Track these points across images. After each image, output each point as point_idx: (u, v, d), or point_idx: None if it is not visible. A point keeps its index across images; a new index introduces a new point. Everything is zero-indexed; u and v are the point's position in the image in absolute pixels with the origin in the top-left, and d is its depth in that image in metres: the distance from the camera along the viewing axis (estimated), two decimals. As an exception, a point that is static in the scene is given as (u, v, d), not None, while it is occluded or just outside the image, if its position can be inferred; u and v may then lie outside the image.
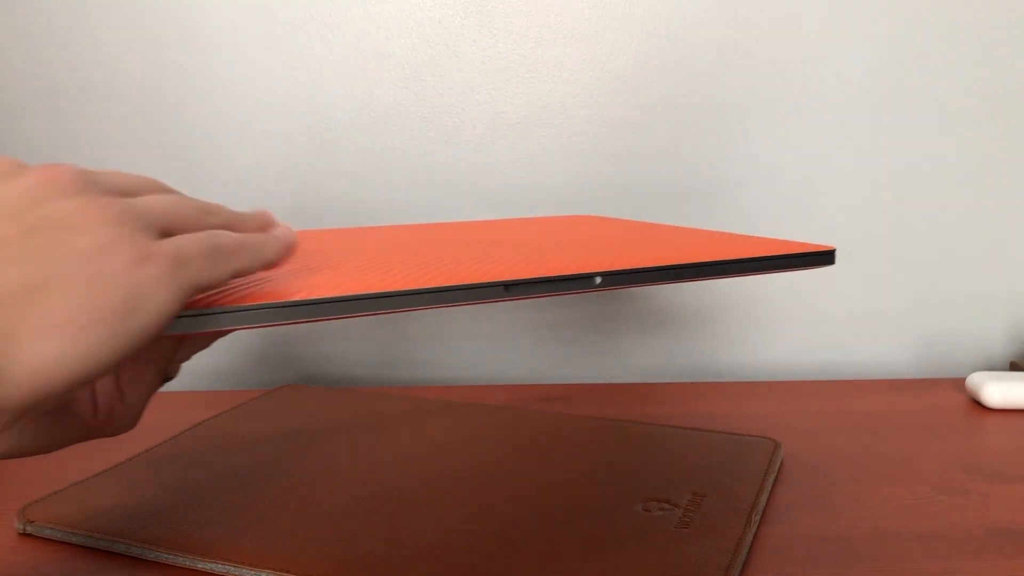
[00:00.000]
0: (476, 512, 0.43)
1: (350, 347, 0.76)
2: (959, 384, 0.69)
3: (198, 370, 0.76)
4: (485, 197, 0.74)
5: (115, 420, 0.34)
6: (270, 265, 0.31)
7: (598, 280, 0.34)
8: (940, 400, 0.65)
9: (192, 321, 0.27)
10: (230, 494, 0.45)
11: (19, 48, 0.71)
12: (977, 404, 0.64)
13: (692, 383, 0.70)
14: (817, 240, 0.76)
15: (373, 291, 0.30)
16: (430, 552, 0.39)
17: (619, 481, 0.47)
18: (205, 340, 0.36)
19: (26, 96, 0.72)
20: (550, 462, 0.50)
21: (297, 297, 0.29)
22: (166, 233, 0.28)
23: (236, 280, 0.31)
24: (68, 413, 0.33)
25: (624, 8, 0.71)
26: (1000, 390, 0.63)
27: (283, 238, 0.33)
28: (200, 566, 0.38)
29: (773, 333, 0.77)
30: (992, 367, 0.78)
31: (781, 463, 0.52)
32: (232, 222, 0.32)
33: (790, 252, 0.39)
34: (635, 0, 0.71)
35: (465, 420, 0.57)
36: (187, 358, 0.36)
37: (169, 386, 0.76)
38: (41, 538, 0.42)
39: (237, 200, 0.74)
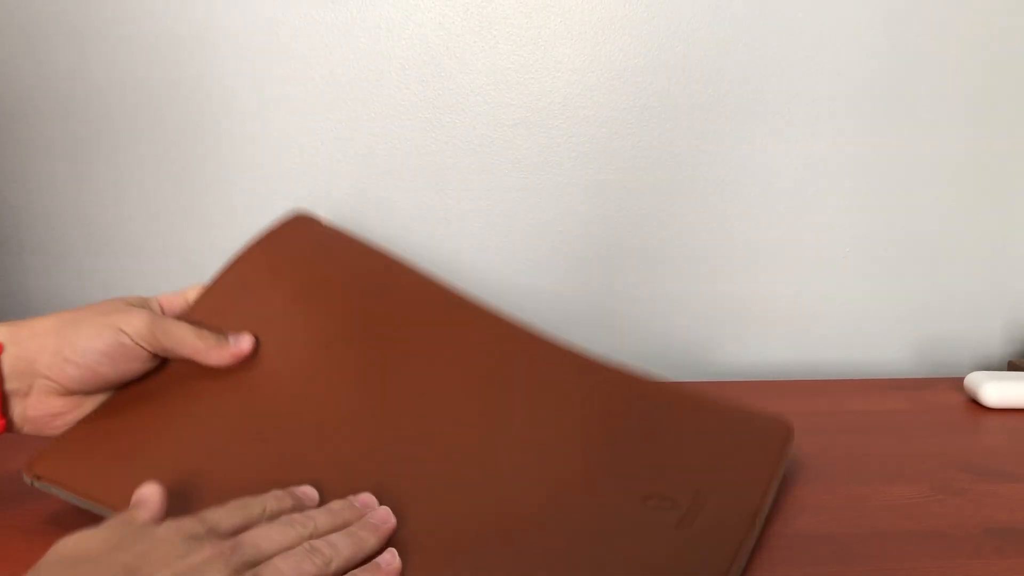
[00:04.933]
0: (475, 501, 0.42)
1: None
2: (958, 384, 0.69)
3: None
4: (486, 198, 0.74)
5: None
6: (374, 552, 0.37)
7: None
8: (939, 400, 0.65)
9: None
10: None
11: (22, 48, 0.71)
12: (975, 403, 0.64)
13: (692, 383, 0.70)
14: (817, 239, 0.76)
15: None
16: (424, 541, 0.38)
17: (624, 467, 0.45)
18: None
19: (32, 97, 0.72)
20: (556, 432, 0.47)
21: None
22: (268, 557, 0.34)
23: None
24: None
25: (624, 8, 0.72)
26: (998, 390, 0.63)
27: (380, 525, 0.38)
28: None
29: (773, 333, 0.77)
30: (990, 367, 0.79)
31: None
32: (329, 525, 0.38)
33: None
34: (635, 0, 0.72)
35: (479, 360, 0.51)
36: None
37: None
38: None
39: (237, 203, 0.74)
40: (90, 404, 0.45)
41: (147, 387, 0.47)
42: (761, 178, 0.75)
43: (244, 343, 0.47)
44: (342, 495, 0.41)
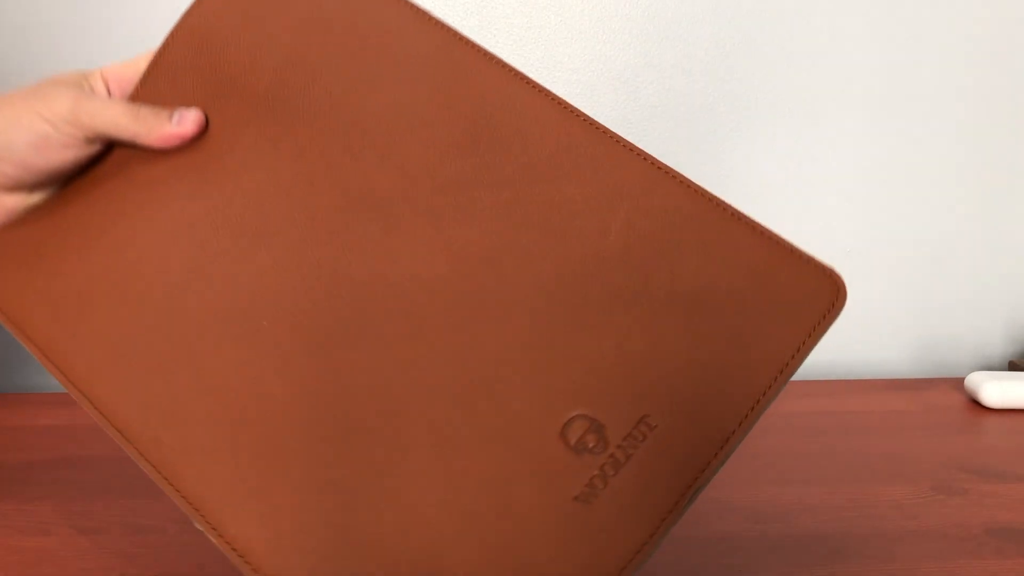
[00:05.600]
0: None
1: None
2: (958, 384, 0.69)
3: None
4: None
5: None
6: None
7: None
8: (939, 400, 0.65)
9: None
10: None
11: (25, 46, 0.71)
12: (976, 404, 0.64)
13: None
14: (817, 239, 0.76)
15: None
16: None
17: (562, 361, 0.32)
18: None
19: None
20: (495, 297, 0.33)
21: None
22: None
23: None
24: None
25: (624, 8, 0.72)
26: (999, 390, 0.63)
27: None
28: None
29: (773, 333, 0.77)
30: (991, 367, 0.78)
31: (778, 462, 0.52)
32: None
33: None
34: (635, 1, 0.71)
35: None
36: None
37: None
38: None
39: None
40: (40, 198, 0.40)
41: (85, 180, 0.40)
42: (761, 178, 0.74)
43: (188, 122, 0.39)
44: (300, 286, 0.34)
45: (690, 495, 0.29)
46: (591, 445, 0.30)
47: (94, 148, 0.39)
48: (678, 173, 0.36)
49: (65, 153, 0.38)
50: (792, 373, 0.31)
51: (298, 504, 0.30)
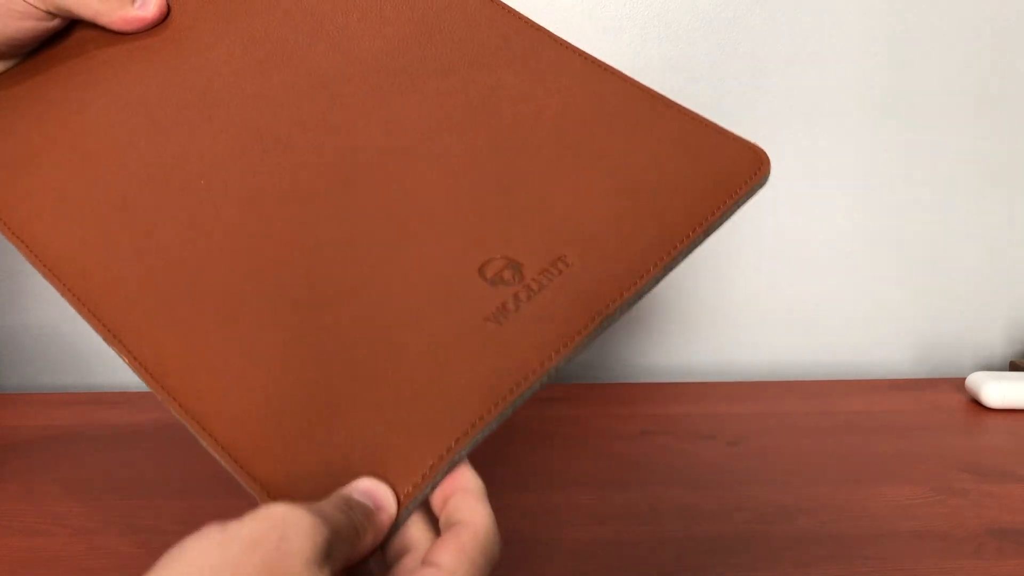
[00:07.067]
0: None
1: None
2: (959, 384, 0.69)
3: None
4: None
5: None
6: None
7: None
8: (940, 400, 0.65)
9: None
10: None
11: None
12: (977, 404, 0.64)
13: (692, 383, 0.70)
14: (817, 239, 0.76)
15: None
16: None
17: (481, 219, 0.33)
18: None
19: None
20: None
21: None
22: None
23: None
24: None
25: (624, 9, 0.72)
26: (1000, 390, 0.63)
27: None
28: None
29: (773, 333, 0.77)
30: (992, 367, 0.78)
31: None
32: None
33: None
34: (635, 1, 0.71)
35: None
36: None
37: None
38: None
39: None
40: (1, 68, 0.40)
41: (43, 56, 0.41)
42: (762, 178, 0.74)
43: (151, 6, 0.39)
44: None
45: (599, 322, 0.31)
46: (506, 278, 0.32)
47: (54, 23, 0.39)
48: (616, 70, 0.40)
49: (23, 23, 0.38)
50: (709, 229, 0.34)
51: (212, 325, 0.32)
